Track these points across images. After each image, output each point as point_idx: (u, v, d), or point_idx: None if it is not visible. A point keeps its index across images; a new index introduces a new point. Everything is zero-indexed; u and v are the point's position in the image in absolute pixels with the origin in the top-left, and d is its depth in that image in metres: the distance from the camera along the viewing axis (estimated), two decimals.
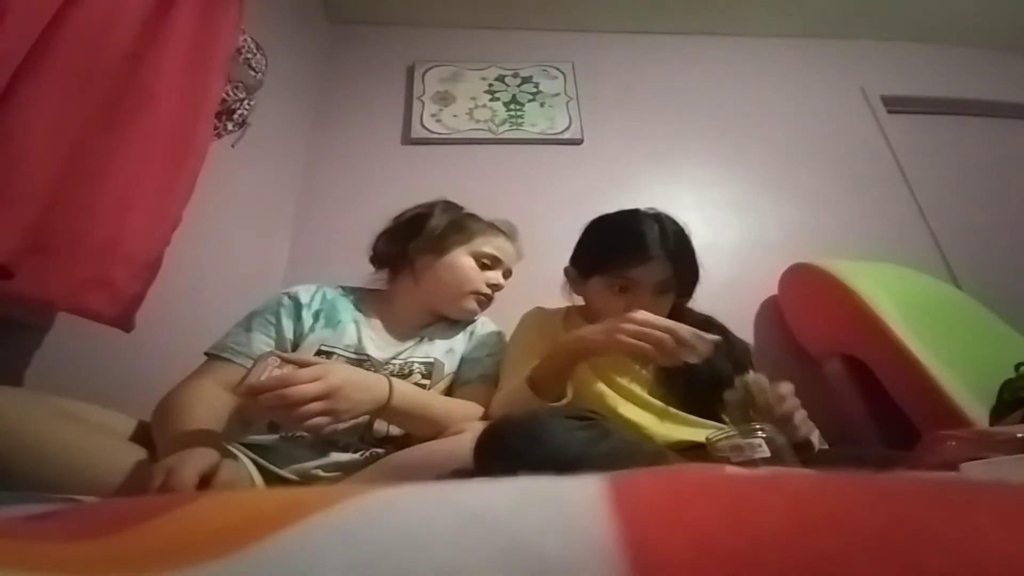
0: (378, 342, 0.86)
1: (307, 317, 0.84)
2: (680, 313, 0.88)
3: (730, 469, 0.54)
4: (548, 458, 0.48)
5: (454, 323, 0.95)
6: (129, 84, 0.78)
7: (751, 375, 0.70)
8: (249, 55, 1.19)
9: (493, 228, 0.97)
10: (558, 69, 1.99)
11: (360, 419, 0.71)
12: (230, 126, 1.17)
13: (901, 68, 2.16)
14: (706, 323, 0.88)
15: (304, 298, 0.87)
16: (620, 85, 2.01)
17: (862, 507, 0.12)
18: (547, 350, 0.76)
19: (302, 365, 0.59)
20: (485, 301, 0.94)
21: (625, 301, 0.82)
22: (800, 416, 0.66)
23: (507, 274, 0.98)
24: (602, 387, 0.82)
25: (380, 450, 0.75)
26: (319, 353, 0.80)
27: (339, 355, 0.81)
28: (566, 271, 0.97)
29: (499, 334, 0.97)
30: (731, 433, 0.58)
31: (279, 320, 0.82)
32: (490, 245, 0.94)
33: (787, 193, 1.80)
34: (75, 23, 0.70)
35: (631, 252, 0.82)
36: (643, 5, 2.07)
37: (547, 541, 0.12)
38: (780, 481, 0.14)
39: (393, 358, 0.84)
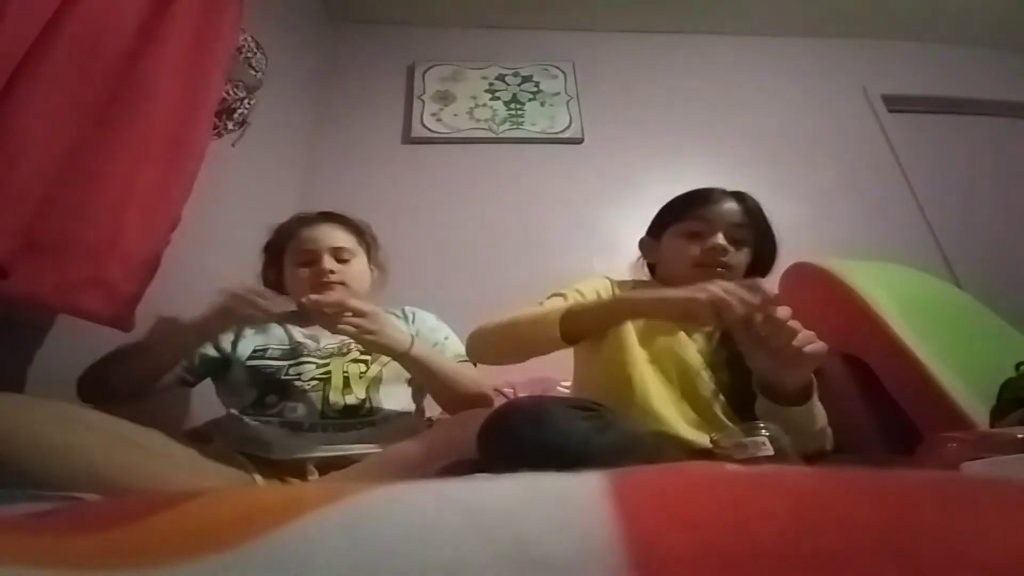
0: (308, 334, 0.90)
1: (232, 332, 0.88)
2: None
3: (732, 467, 0.54)
4: (550, 446, 0.49)
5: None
6: (127, 84, 0.78)
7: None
8: (249, 54, 1.19)
9: (300, 224, 0.97)
10: (558, 68, 1.99)
11: (317, 399, 0.79)
12: (230, 125, 1.17)
13: (902, 67, 2.15)
14: None
15: None
16: (620, 84, 2.01)
17: (864, 506, 0.12)
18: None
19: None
20: (333, 284, 0.91)
21: (698, 245, 0.82)
22: (805, 339, 0.61)
23: (338, 251, 0.94)
24: (640, 372, 0.76)
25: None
26: (254, 352, 0.85)
27: (272, 348, 0.86)
28: (640, 242, 0.98)
29: (436, 318, 1.01)
30: (735, 432, 0.58)
31: None
32: (300, 245, 0.94)
33: (787, 193, 1.80)
34: (74, 23, 0.69)
35: (701, 195, 0.87)
36: (643, 5, 2.07)
37: (549, 539, 0.12)
38: (782, 480, 0.14)
39: (327, 343, 0.88)
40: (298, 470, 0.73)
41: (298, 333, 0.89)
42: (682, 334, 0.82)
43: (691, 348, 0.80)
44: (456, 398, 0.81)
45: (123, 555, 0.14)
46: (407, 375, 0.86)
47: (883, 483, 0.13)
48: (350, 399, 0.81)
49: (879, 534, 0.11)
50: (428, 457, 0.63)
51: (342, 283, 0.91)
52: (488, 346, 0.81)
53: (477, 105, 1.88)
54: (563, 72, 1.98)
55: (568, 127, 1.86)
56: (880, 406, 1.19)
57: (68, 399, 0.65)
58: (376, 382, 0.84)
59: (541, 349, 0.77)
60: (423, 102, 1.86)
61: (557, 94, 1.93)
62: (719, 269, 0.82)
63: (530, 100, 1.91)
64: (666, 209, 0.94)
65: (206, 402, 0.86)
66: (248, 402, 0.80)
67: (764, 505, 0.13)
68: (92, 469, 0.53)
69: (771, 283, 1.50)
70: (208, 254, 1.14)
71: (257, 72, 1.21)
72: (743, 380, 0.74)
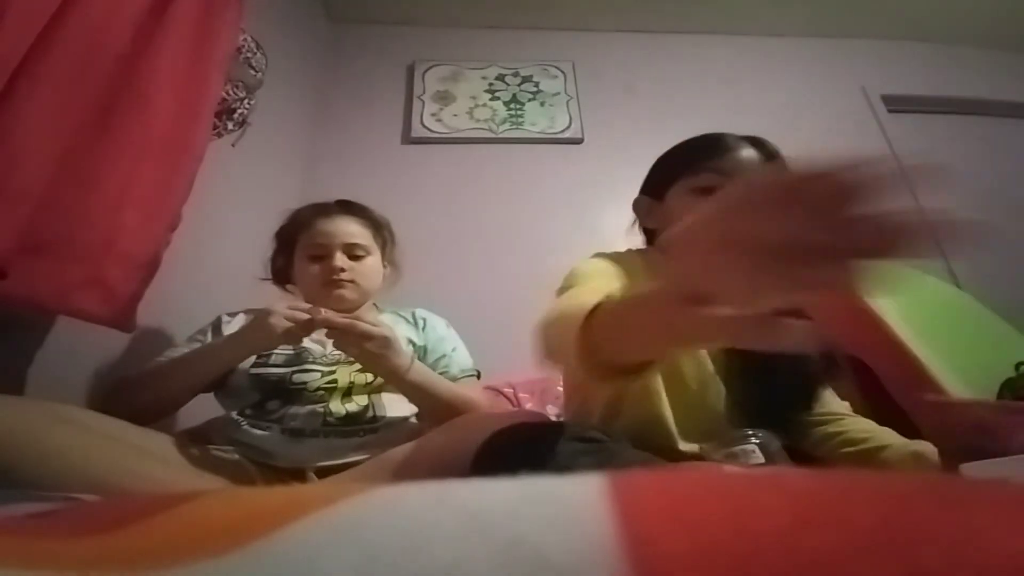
0: (314, 339, 0.86)
1: (228, 331, 0.85)
2: None
3: (730, 468, 0.54)
4: None
5: (390, 317, 0.96)
6: (126, 84, 0.77)
7: None
8: (249, 54, 1.19)
9: (315, 214, 0.94)
10: (558, 68, 1.99)
11: (319, 406, 0.77)
12: (230, 125, 1.17)
13: (902, 67, 2.16)
14: None
15: (225, 318, 0.89)
16: (620, 84, 2.01)
17: (863, 506, 0.12)
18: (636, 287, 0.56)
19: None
20: (346, 283, 0.89)
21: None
22: None
23: (351, 247, 0.91)
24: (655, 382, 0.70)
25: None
26: (257, 359, 0.82)
27: (276, 354, 0.82)
28: (636, 203, 0.86)
29: (447, 324, 0.98)
30: (725, 441, 0.58)
31: (206, 336, 0.87)
32: (312, 238, 0.91)
33: None
34: (73, 23, 0.69)
35: (714, 142, 0.74)
36: (643, 4, 2.07)
37: (547, 540, 0.12)
38: (781, 480, 0.14)
39: (333, 350, 0.83)
40: (298, 475, 0.72)
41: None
42: None
43: (704, 356, 0.75)
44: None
45: (121, 558, 0.14)
46: None
47: (883, 483, 0.13)
48: (351, 406, 0.79)
49: (879, 534, 0.11)
50: (427, 461, 0.62)
51: (352, 281, 0.89)
52: (544, 349, 0.56)
53: (477, 105, 1.88)
54: (563, 72, 1.98)
55: (568, 127, 1.86)
56: (880, 405, 1.19)
57: (68, 400, 0.65)
58: (379, 388, 0.83)
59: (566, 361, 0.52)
60: (423, 102, 1.86)
61: (557, 94, 1.93)
62: None
63: (530, 100, 1.91)
64: (670, 162, 0.79)
65: (202, 402, 0.85)
66: (248, 404, 0.78)
67: (763, 505, 0.13)
68: (89, 472, 0.53)
69: None
70: (208, 254, 1.14)
71: (257, 72, 1.21)
72: (757, 390, 0.69)
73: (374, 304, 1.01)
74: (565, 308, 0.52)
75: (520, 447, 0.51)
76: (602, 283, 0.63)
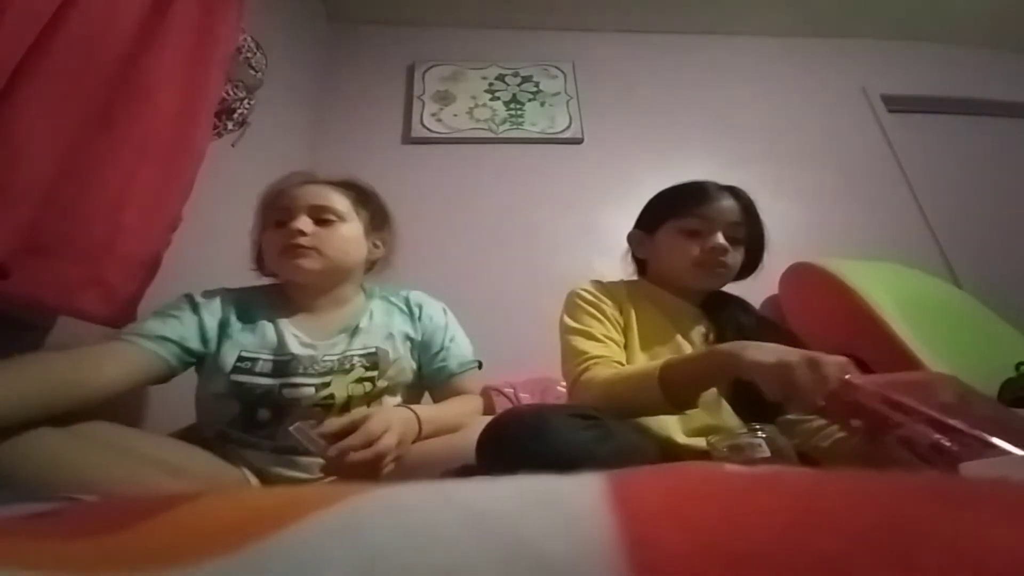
0: (303, 339, 0.79)
1: (207, 317, 0.77)
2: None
3: (730, 467, 0.53)
4: (551, 456, 0.48)
5: (382, 305, 0.89)
6: (127, 84, 0.78)
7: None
8: (249, 54, 1.19)
9: (288, 181, 0.86)
10: (558, 68, 1.99)
11: (321, 417, 0.71)
12: (230, 125, 1.17)
13: (902, 67, 2.15)
14: (742, 307, 0.89)
15: (200, 300, 0.80)
16: (620, 85, 2.01)
17: (862, 505, 0.12)
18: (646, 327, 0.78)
19: (340, 427, 0.61)
20: (304, 249, 0.78)
21: (698, 244, 0.82)
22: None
23: (318, 210, 0.81)
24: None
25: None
26: (239, 362, 0.73)
27: (263, 360, 0.74)
28: (630, 236, 0.96)
29: (444, 310, 0.92)
30: (731, 434, 0.58)
31: (183, 314, 0.76)
32: (277, 204, 0.82)
33: (787, 193, 1.80)
34: (73, 23, 0.70)
35: (700, 191, 0.85)
36: (643, 5, 2.07)
37: (548, 541, 0.12)
38: (780, 479, 0.14)
39: (325, 355, 0.77)
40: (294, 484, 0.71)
41: (294, 341, 0.77)
42: (679, 337, 0.82)
43: (689, 351, 0.80)
44: None
45: (122, 559, 0.14)
46: (406, 381, 0.82)
47: (883, 483, 0.13)
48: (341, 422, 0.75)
49: (878, 533, 0.11)
50: (431, 461, 0.62)
51: (314, 248, 0.78)
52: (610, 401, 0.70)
53: (477, 105, 1.88)
54: (563, 72, 1.98)
55: (568, 127, 1.86)
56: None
57: None
58: (379, 395, 0.78)
59: (650, 413, 0.69)
60: (423, 102, 1.86)
61: (557, 94, 1.93)
62: (718, 269, 0.83)
63: (530, 100, 1.91)
64: (661, 204, 0.91)
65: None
66: (234, 415, 0.72)
67: (764, 505, 0.13)
68: (83, 478, 0.52)
69: (771, 283, 1.51)
70: (209, 254, 1.14)
71: (257, 72, 1.21)
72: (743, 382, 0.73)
73: (361, 287, 0.91)
74: (628, 374, 0.70)
75: (522, 426, 0.52)
76: (609, 328, 0.81)
